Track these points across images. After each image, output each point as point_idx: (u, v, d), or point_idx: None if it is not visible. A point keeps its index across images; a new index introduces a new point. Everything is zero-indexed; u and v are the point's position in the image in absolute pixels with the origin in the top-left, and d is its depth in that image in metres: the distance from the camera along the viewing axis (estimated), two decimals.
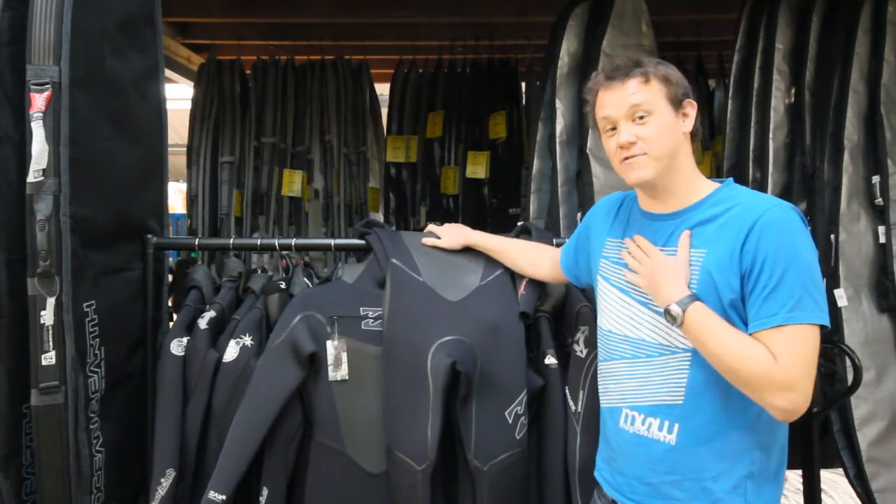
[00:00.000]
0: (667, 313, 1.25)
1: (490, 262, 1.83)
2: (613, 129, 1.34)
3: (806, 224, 1.26)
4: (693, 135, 1.36)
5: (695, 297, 1.24)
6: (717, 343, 1.20)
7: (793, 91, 2.45)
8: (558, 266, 1.70)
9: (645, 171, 1.31)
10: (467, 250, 1.85)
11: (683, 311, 1.22)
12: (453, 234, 1.86)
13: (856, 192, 2.31)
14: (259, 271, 2.09)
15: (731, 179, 1.37)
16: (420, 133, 4.05)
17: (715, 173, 3.35)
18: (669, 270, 1.27)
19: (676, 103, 1.33)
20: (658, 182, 1.33)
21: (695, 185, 1.35)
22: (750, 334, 1.21)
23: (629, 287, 1.38)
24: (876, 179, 2.31)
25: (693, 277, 1.27)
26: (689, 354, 1.28)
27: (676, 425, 1.28)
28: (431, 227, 1.91)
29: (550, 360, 1.75)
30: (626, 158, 1.32)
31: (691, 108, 1.36)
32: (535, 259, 1.77)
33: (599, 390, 1.47)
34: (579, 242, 1.62)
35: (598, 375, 1.48)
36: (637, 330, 1.35)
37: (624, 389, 1.37)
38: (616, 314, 1.40)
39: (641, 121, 1.31)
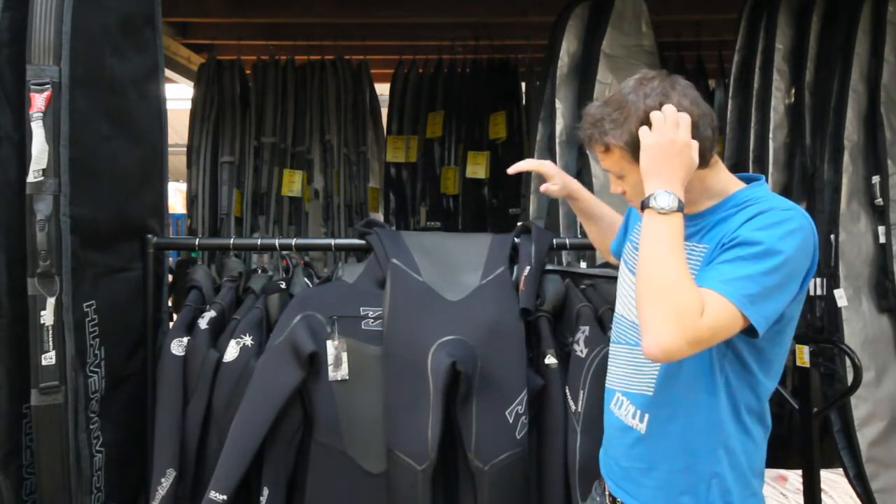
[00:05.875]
0: (656, 197, 1.15)
1: (490, 261, 1.83)
2: None
3: (813, 232, 1.21)
4: (702, 164, 1.25)
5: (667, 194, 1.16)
6: (670, 252, 1.14)
7: (793, 91, 2.45)
8: None
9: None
10: (467, 250, 1.85)
11: (678, 208, 1.15)
12: (561, 180, 1.72)
13: (856, 192, 2.31)
14: (259, 271, 2.09)
15: (762, 180, 1.32)
16: (420, 133, 4.04)
17: None
18: (686, 157, 1.17)
19: None
20: None
21: (712, 189, 1.30)
22: None
23: None
24: (876, 179, 2.31)
25: (693, 272, 1.23)
26: None
27: (647, 415, 1.30)
28: (530, 163, 1.79)
29: (550, 360, 1.75)
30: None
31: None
32: (607, 231, 1.69)
33: (607, 372, 1.47)
34: (626, 224, 1.57)
35: (609, 356, 1.47)
36: None
37: (621, 373, 1.39)
38: (627, 299, 1.40)
39: (620, 179, 1.30)
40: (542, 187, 1.75)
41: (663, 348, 1.10)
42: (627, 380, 1.36)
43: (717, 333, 1.13)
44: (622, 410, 1.36)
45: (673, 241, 1.15)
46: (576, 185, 1.75)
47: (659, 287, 1.12)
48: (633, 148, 1.22)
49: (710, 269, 1.18)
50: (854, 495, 2.36)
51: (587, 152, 2.43)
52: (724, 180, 1.31)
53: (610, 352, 1.47)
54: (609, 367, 1.45)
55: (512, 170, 1.74)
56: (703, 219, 1.30)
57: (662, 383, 1.28)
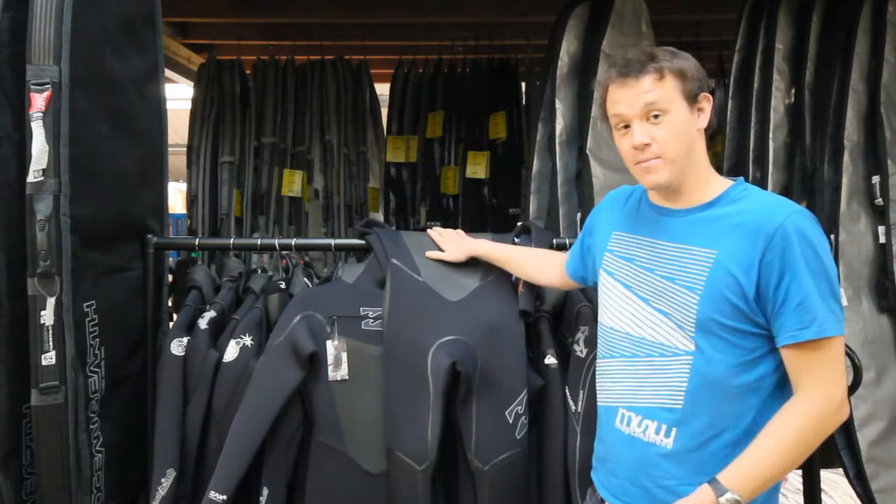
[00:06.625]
0: None
1: None
2: (626, 126, 1.30)
3: (822, 228, 1.24)
4: (707, 129, 1.32)
5: (714, 481, 1.20)
6: (779, 461, 1.20)
7: (793, 91, 2.45)
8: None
9: (660, 175, 1.28)
10: None
11: (733, 491, 1.18)
12: (455, 248, 1.81)
13: (856, 192, 2.31)
14: (259, 271, 2.09)
15: (741, 179, 1.34)
16: (420, 133, 4.05)
17: None
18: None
19: (692, 99, 1.28)
20: (672, 183, 1.30)
21: (707, 183, 1.32)
22: (781, 346, 1.21)
23: (633, 283, 1.36)
24: (876, 179, 2.31)
25: (701, 276, 1.24)
26: (690, 357, 1.25)
27: (674, 429, 1.27)
28: (431, 233, 1.88)
29: (550, 360, 1.75)
30: (641, 162, 1.29)
31: (707, 102, 1.31)
32: (543, 266, 1.73)
33: (597, 388, 1.45)
34: (585, 241, 1.59)
35: (597, 373, 1.46)
36: (639, 328, 1.33)
37: (622, 389, 1.35)
38: (618, 311, 1.37)
39: (656, 120, 1.26)
40: (428, 254, 1.83)
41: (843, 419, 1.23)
42: (633, 394, 1.33)
43: (843, 366, 1.23)
44: (633, 427, 1.32)
45: (760, 470, 1.20)
46: (480, 249, 1.80)
47: (796, 455, 1.21)
48: (684, 80, 1.28)
49: (797, 311, 1.19)
50: (854, 495, 2.35)
51: (587, 152, 2.43)
52: (717, 177, 1.35)
53: (599, 367, 1.44)
54: (601, 382, 1.42)
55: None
56: (704, 214, 1.30)
57: (694, 393, 1.25)
